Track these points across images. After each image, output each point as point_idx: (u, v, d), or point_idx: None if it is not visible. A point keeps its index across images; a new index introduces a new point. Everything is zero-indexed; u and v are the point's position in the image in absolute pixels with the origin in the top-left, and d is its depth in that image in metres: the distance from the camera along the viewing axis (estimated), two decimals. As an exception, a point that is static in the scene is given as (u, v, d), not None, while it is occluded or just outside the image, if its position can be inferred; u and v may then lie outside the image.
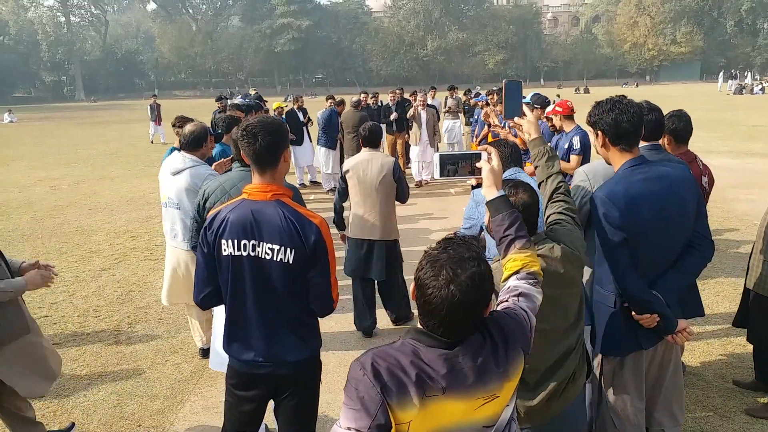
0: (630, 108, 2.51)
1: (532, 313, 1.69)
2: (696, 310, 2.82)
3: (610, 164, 2.68)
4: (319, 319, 2.55)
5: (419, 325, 1.56)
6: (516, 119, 2.50)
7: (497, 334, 1.55)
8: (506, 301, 1.71)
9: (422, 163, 11.57)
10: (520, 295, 1.71)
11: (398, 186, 4.92)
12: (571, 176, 4.56)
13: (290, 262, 2.28)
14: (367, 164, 4.86)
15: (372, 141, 4.93)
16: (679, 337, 2.57)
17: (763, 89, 44.72)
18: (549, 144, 2.50)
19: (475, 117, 11.29)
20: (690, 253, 2.60)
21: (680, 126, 3.84)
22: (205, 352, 4.71)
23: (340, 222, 5.13)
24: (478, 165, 2.03)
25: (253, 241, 2.29)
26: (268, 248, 2.28)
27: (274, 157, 2.32)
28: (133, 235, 8.66)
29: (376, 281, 5.16)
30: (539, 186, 2.48)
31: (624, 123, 2.49)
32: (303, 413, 2.52)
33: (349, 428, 1.42)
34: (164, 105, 22.24)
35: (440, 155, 2.08)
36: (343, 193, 5.00)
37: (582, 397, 2.44)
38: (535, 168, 2.51)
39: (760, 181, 11.03)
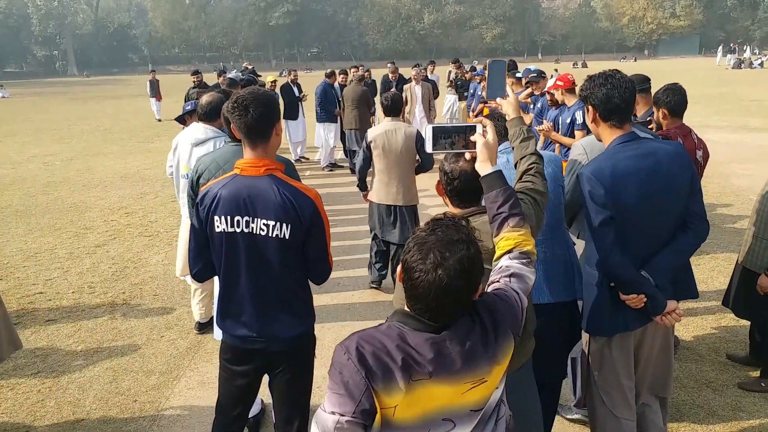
0: (622, 83, 2.45)
1: (524, 294, 1.64)
2: (689, 291, 2.79)
3: (600, 139, 2.64)
4: (313, 295, 2.54)
5: (406, 308, 1.51)
6: (498, 100, 2.41)
7: (487, 317, 1.50)
8: (498, 281, 1.65)
9: None
10: (512, 275, 1.66)
11: (421, 155, 5.16)
12: (569, 149, 4.53)
13: (287, 237, 2.26)
14: (391, 134, 5.10)
15: (394, 110, 5.22)
16: (668, 318, 2.53)
17: (761, 63, 44.44)
18: (526, 125, 2.37)
19: (471, 91, 11.18)
20: (684, 232, 2.56)
21: (675, 99, 3.80)
22: (201, 326, 4.75)
23: (363, 185, 5.55)
24: (472, 138, 1.92)
25: (246, 218, 2.26)
26: (263, 224, 2.25)
27: (266, 131, 2.28)
28: (127, 211, 8.61)
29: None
30: (515, 166, 2.41)
31: (615, 98, 2.44)
32: (297, 388, 2.52)
33: (333, 412, 1.39)
34: (160, 80, 21.97)
35: (433, 127, 1.94)
36: (367, 161, 5.26)
37: (529, 367, 2.38)
38: (512, 149, 2.44)
39: (758, 156, 11.00)
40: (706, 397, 3.68)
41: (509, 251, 1.73)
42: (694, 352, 4.20)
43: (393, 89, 10.87)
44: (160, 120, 20.03)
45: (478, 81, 10.79)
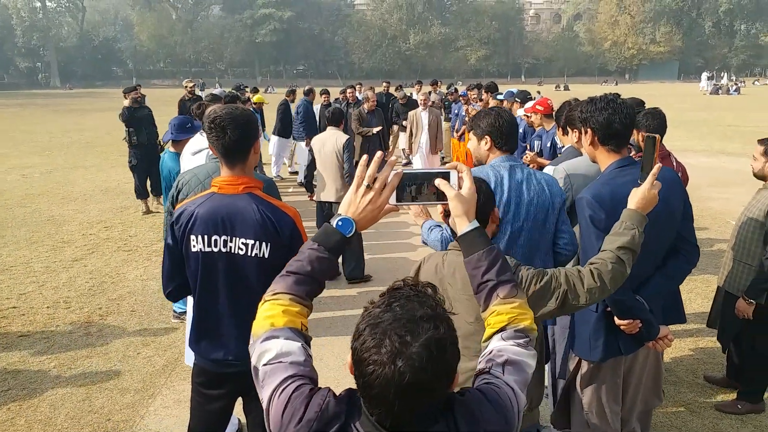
0: (623, 108, 2.45)
1: (522, 388, 1.26)
2: (678, 317, 2.81)
3: (595, 162, 2.66)
4: None
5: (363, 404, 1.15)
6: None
7: (465, 424, 1.13)
8: (487, 372, 1.27)
9: None
10: (506, 363, 1.28)
11: (346, 164, 5.86)
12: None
13: (266, 256, 2.22)
14: (326, 140, 5.96)
15: (335, 121, 6.04)
16: (660, 344, 2.55)
17: (738, 90, 45.48)
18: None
19: (455, 112, 11.27)
20: (675, 258, 2.58)
21: (655, 123, 3.86)
22: None
23: (309, 187, 6.25)
24: (442, 189, 1.45)
25: (224, 237, 2.22)
26: (242, 243, 2.21)
27: (245, 150, 2.25)
28: (106, 225, 8.50)
29: None
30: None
31: (616, 123, 2.44)
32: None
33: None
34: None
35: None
36: (311, 164, 6.02)
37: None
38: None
39: (735, 180, 11.20)
40: (684, 419, 3.69)
41: (502, 329, 1.36)
42: (672, 373, 4.22)
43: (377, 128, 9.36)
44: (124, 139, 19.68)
45: (463, 102, 10.90)
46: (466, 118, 10.13)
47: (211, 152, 4.05)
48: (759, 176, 3.68)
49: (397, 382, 1.03)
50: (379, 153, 1.39)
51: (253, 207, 2.22)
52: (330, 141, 5.92)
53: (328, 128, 6.07)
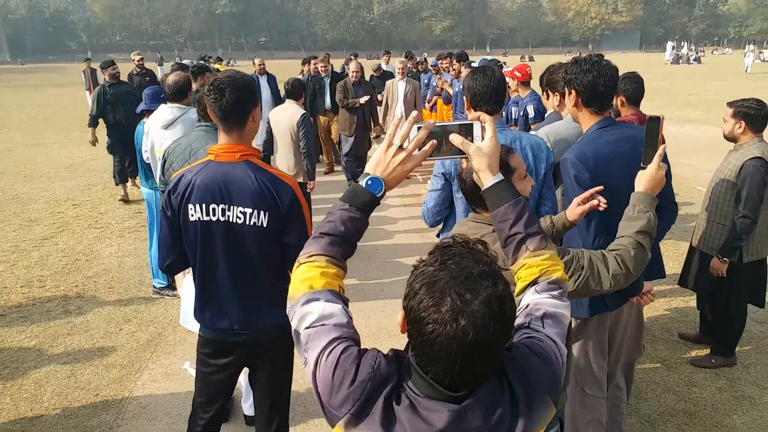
0: (607, 70, 2.49)
1: (562, 340, 1.25)
2: (659, 272, 2.92)
3: (578, 122, 2.71)
4: None
5: (414, 364, 1.13)
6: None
7: (517, 379, 1.13)
8: (527, 326, 1.25)
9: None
10: (544, 316, 1.26)
11: (302, 136, 5.50)
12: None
13: (264, 225, 2.20)
14: (283, 114, 5.64)
15: (294, 93, 5.72)
16: (643, 299, 2.64)
17: (698, 59, 46.41)
18: (651, 210, 2.01)
19: (425, 82, 11.23)
20: (657, 215, 2.67)
21: (633, 87, 3.93)
22: None
23: (266, 161, 6.02)
24: (458, 144, 1.41)
25: (222, 205, 2.19)
26: (240, 212, 2.18)
27: (242, 115, 2.21)
28: (75, 203, 8.28)
29: None
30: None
31: (600, 86, 2.48)
32: (279, 379, 2.50)
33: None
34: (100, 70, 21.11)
35: (418, 128, 1.44)
36: (269, 138, 5.76)
37: None
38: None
39: (699, 148, 11.50)
40: (661, 373, 3.86)
41: (534, 282, 1.33)
42: (648, 332, 4.38)
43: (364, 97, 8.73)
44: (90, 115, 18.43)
45: (434, 72, 10.86)
46: (438, 89, 10.12)
47: (187, 118, 4.02)
48: (729, 138, 3.79)
49: (459, 341, 1.02)
50: (414, 113, 1.38)
51: (250, 175, 2.19)
52: (286, 115, 5.59)
53: (287, 101, 5.75)
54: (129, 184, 8.44)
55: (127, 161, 8.06)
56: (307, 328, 1.22)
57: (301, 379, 3.42)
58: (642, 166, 2.05)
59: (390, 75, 10.47)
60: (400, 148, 1.37)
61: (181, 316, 3.36)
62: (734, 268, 3.68)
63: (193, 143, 2.99)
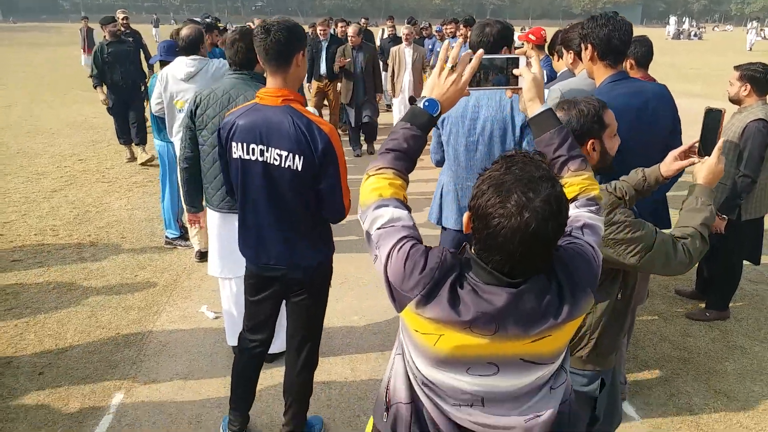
0: (622, 25, 2.59)
1: (599, 247, 1.42)
2: (667, 224, 3.05)
3: (592, 77, 2.81)
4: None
5: (475, 256, 1.30)
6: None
7: (563, 273, 1.30)
8: (569, 234, 1.40)
9: None
10: (584, 226, 1.42)
11: None
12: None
13: (298, 169, 2.29)
14: None
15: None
16: None
17: (699, 35, 46.17)
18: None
19: (429, 47, 11.22)
20: None
21: (642, 50, 4.03)
22: (202, 255, 4.91)
23: None
24: (515, 72, 1.57)
25: (261, 146, 2.29)
26: (276, 154, 2.28)
27: (286, 56, 2.27)
28: (80, 158, 8.34)
29: None
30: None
31: (615, 39, 2.58)
32: (312, 314, 2.64)
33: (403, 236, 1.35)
34: (96, 31, 20.85)
35: (470, 59, 1.55)
36: None
37: None
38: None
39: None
40: (658, 325, 4.04)
41: (574, 198, 1.49)
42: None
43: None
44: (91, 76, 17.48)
45: (438, 37, 10.87)
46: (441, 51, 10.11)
47: (210, 66, 4.13)
48: (734, 101, 3.90)
49: (522, 232, 1.17)
50: (460, 39, 1.50)
51: (288, 119, 2.27)
52: None
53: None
54: (139, 150, 7.95)
55: (134, 126, 7.71)
56: (378, 228, 1.38)
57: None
58: (698, 159, 2.08)
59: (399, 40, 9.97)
60: (452, 69, 1.50)
61: (209, 267, 3.49)
62: (733, 226, 3.83)
63: (231, 91, 3.07)
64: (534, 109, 1.56)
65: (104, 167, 7.88)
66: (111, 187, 7.03)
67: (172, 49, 4.71)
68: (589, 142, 1.95)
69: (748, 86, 3.77)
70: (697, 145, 2.13)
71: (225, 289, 3.52)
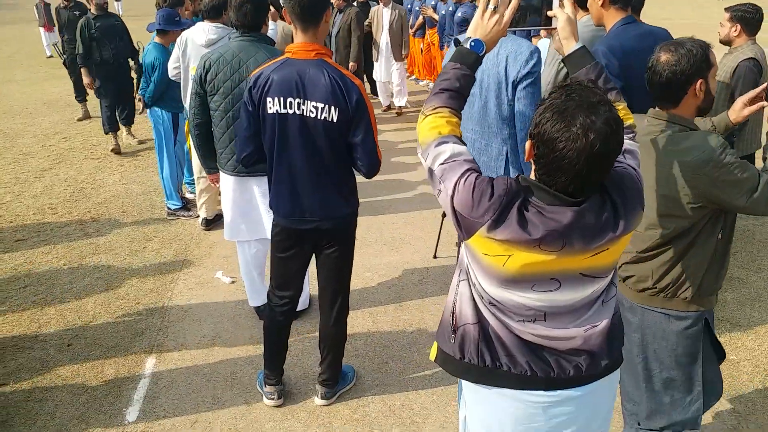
0: None
1: (639, 169, 1.54)
2: None
3: (600, 24, 2.90)
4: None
5: (537, 181, 1.41)
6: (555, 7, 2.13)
7: (615, 192, 1.43)
8: None
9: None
10: (625, 152, 1.54)
11: None
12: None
13: (334, 120, 2.36)
14: None
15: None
16: None
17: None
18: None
19: (407, 6, 11.12)
20: None
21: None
22: (208, 222, 4.99)
23: None
24: (550, 14, 1.70)
25: (298, 99, 2.35)
26: (313, 106, 2.35)
27: (318, 13, 2.34)
28: (64, 136, 8.19)
29: None
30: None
31: None
32: (342, 264, 2.74)
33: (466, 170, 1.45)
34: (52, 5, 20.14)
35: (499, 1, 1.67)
36: None
37: None
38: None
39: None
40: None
41: None
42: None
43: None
44: (51, 57, 15.18)
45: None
46: (421, 15, 10.06)
47: (232, 35, 4.09)
48: (725, 42, 4.02)
49: (588, 151, 1.29)
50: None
51: (323, 72, 2.34)
52: None
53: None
54: (124, 133, 7.53)
55: (119, 108, 7.11)
56: (441, 164, 1.48)
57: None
58: (766, 103, 2.11)
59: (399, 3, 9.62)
60: (494, 10, 1.63)
61: (225, 232, 3.55)
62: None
63: (241, 54, 3.08)
64: (569, 46, 1.73)
65: (90, 144, 7.77)
66: (101, 163, 6.96)
67: (172, 18, 4.67)
68: (698, 82, 1.94)
69: (738, 27, 3.89)
70: (765, 90, 2.18)
71: (243, 253, 3.59)
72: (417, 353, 3.36)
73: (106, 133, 7.30)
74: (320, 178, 2.50)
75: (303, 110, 2.37)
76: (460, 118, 1.61)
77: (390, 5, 8.31)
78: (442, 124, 1.55)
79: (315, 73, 2.34)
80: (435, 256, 4.45)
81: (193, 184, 5.69)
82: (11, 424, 2.89)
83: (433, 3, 9.64)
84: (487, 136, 2.94)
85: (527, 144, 1.42)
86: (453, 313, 1.61)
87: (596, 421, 1.64)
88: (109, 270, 4.39)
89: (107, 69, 6.78)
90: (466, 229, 1.43)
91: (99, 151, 7.46)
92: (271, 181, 2.58)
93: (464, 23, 7.53)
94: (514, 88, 2.80)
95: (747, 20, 3.86)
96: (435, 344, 1.71)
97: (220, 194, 3.87)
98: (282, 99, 2.37)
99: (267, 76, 2.39)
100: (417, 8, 10.37)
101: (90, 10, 6.78)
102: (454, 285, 1.63)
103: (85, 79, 6.91)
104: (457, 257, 3.78)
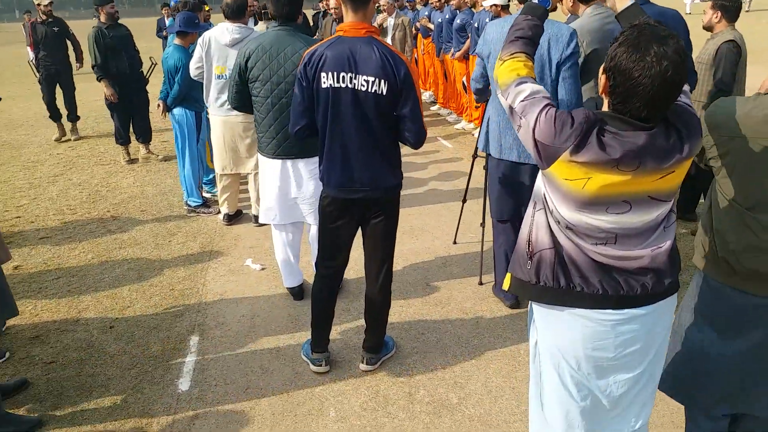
0: None
1: (692, 105, 1.70)
2: None
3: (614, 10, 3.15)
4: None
5: (611, 111, 1.59)
6: None
7: (678, 121, 1.59)
8: None
9: None
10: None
11: None
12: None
13: (383, 93, 2.54)
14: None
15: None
16: None
17: None
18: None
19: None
20: None
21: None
22: (230, 218, 5.13)
23: None
24: None
25: (350, 74, 2.53)
26: (364, 80, 2.53)
27: None
28: (70, 145, 8.30)
29: None
30: None
31: None
32: (389, 232, 2.89)
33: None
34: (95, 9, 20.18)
35: None
36: None
37: None
38: None
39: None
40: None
41: None
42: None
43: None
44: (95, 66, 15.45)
45: (410, 8, 11.06)
46: (415, 25, 10.34)
47: (262, 29, 4.31)
48: (707, 28, 4.37)
49: (662, 77, 1.45)
50: None
51: (374, 48, 2.53)
52: None
53: None
54: (142, 151, 7.31)
55: (134, 122, 6.99)
56: (521, 101, 1.68)
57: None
58: None
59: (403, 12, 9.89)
60: None
61: (262, 216, 3.71)
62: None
63: (278, 43, 3.27)
64: (623, 4, 1.98)
65: (98, 152, 7.88)
66: (112, 168, 7.06)
67: (192, 21, 4.85)
68: None
69: (719, 14, 4.23)
70: None
71: (280, 236, 3.73)
72: (450, 325, 3.52)
73: (118, 144, 7.17)
74: (370, 149, 2.67)
75: (355, 84, 2.55)
76: (533, 63, 1.81)
77: (394, 14, 8.61)
78: (519, 66, 1.75)
79: (365, 50, 2.53)
80: (455, 242, 4.63)
81: (210, 183, 5.85)
82: (68, 396, 2.99)
83: (427, 13, 9.94)
84: None
85: (601, 79, 1.60)
86: (529, 242, 1.78)
87: (657, 340, 1.81)
88: (138, 261, 4.50)
89: (125, 81, 6.65)
90: (547, 157, 1.61)
91: (107, 157, 7.57)
92: (322, 154, 2.74)
93: (463, 30, 7.84)
94: (558, 69, 3.02)
95: (726, 8, 4.20)
96: (508, 275, 1.88)
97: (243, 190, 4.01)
98: (335, 74, 2.55)
99: (321, 53, 2.57)
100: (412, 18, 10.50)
101: (99, 19, 6.59)
102: (529, 217, 1.81)
103: (107, 91, 6.61)
104: (482, 240, 3.95)
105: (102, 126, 9.29)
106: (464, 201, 4.44)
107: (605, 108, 1.65)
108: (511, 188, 3.41)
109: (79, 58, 8.77)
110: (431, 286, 4.00)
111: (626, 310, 1.71)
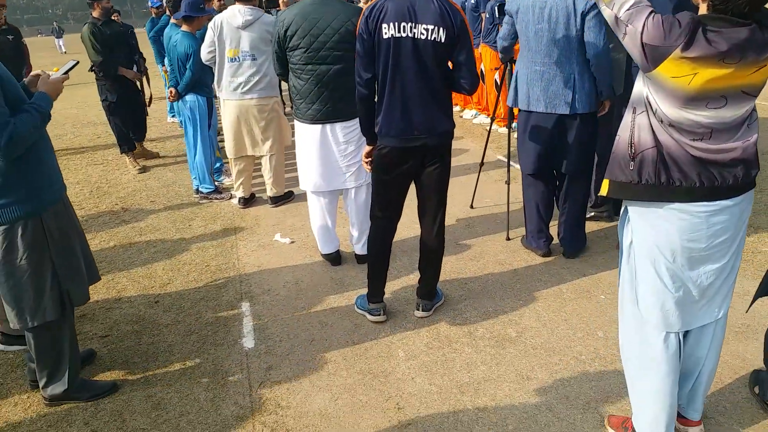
0: None
1: None
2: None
3: None
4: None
5: (712, 13, 1.78)
6: None
7: (763, 18, 1.76)
8: None
9: None
10: None
11: None
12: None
13: (442, 40, 2.68)
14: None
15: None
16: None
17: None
18: None
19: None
20: None
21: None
22: (246, 201, 5.15)
23: None
24: None
25: (411, 23, 2.67)
26: (423, 29, 2.67)
27: None
28: (57, 148, 8.11)
29: None
30: None
31: None
32: (444, 177, 3.03)
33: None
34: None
35: None
36: None
37: None
38: None
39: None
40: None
41: None
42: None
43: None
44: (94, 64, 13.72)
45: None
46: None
47: (269, 22, 4.41)
48: None
49: None
50: None
51: None
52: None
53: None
54: (138, 148, 6.92)
55: (132, 124, 6.60)
56: (627, 10, 1.86)
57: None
58: None
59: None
60: None
61: (302, 182, 3.81)
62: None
63: (316, 11, 3.39)
64: None
65: (87, 155, 7.76)
66: (107, 167, 6.99)
67: (197, 6, 4.89)
68: None
69: (708, 2, 4.51)
70: None
71: (318, 202, 3.83)
72: (491, 275, 3.69)
73: (122, 153, 6.76)
74: (428, 97, 2.81)
75: (415, 33, 2.69)
76: None
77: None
78: None
79: (424, 0, 2.68)
80: (472, 206, 4.81)
81: (217, 172, 5.89)
82: (134, 362, 3.03)
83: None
84: (556, 67, 3.36)
85: None
86: (631, 143, 1.97)
87: (739, 232, 2.02)
88: (164, 244, 4.52)
89: (123, 81, 6.33)
90: (654, 59, 1.80)
91: (99, 157, 7.49)
92: (381, 104, 2.86)
93: (476, 9, 7.71)
94: (583, 18, 3.22)
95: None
96: (605, 182, 2.06)
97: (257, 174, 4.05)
98: (396, 24, 2.69)
99: (381, 5, 2.71)
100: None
101: (92, 14, 6.20)
102: (628, 122, 1.99)
103: (129, 74, 6.30)
104: (508, 196, 4.06)
105: (84, 132, 9.14)
106: (482, 164, 4.62)
107: (702, 11, 1.84)
108: (540, 140, 3.60)
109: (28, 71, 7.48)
110: (461, 244, 4.16)
111: (718, 202, 1.91)
